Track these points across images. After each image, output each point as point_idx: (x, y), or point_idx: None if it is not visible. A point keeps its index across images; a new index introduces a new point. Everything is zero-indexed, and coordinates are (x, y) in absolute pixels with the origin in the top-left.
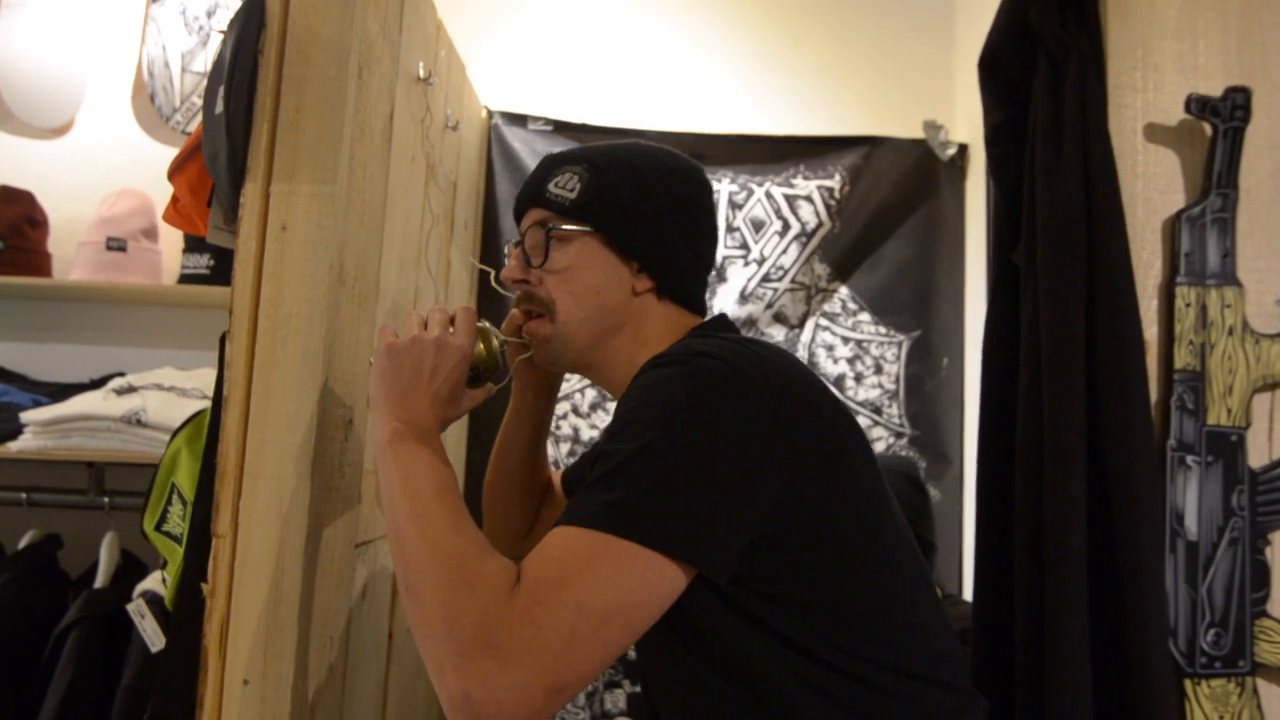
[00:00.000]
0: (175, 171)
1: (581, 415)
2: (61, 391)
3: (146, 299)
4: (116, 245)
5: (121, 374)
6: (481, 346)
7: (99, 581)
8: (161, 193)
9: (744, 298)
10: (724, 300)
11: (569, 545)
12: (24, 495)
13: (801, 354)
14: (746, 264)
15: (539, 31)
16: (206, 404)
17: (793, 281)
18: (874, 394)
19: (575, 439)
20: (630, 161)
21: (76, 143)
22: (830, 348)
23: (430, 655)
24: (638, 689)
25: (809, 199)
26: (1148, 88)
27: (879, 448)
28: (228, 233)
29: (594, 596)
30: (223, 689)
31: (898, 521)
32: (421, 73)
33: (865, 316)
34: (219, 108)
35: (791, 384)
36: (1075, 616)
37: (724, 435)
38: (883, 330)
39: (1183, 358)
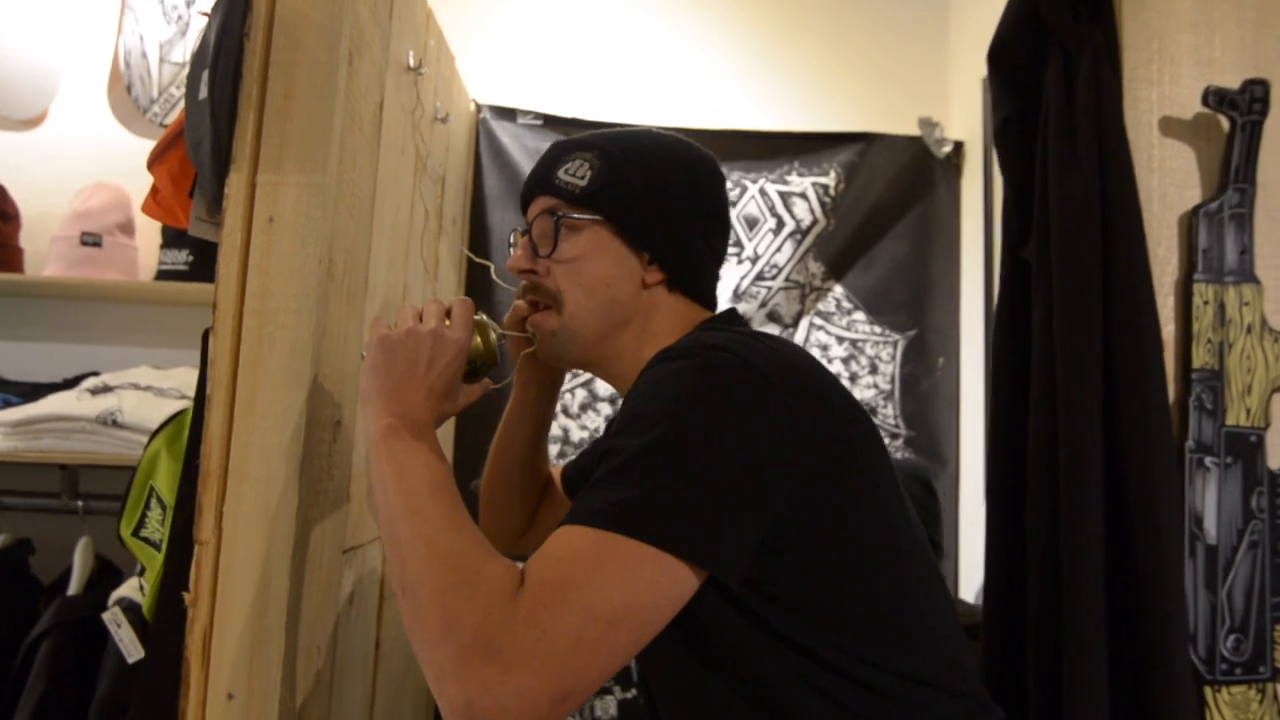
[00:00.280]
0: (155, 160)
1: (571, 416)
2: (33, 391)
3: (122, 296)
4: (91, 240)
5: (96, 373)
6: (479, 340)
7: (72, 588)
8: (138, 186)
9: (737, 296)
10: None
11: (575, 545)
12: None
13: None
14: (740, 262)
15: (529, 23)
16: (184, 404)
17: (787, 280)
18: (869, 394)
19: (565, 440)
20: (643, 149)
21: (50, 134)
22: (825, 347)
23: (428, 660)
24: (629, 695)
25: (804, 196)
26: (1163, 81)
27: None
28: (211, 225)
29: (602, 599)
30: (205, 703)
31: (912, 524)
32: (412, 62)
33: (860, 316)
34: (203, 93)
35: (807, 380)
36: (1092, 623)
37: (737, 431)
38: (878, 330)
39: (1201, 357)
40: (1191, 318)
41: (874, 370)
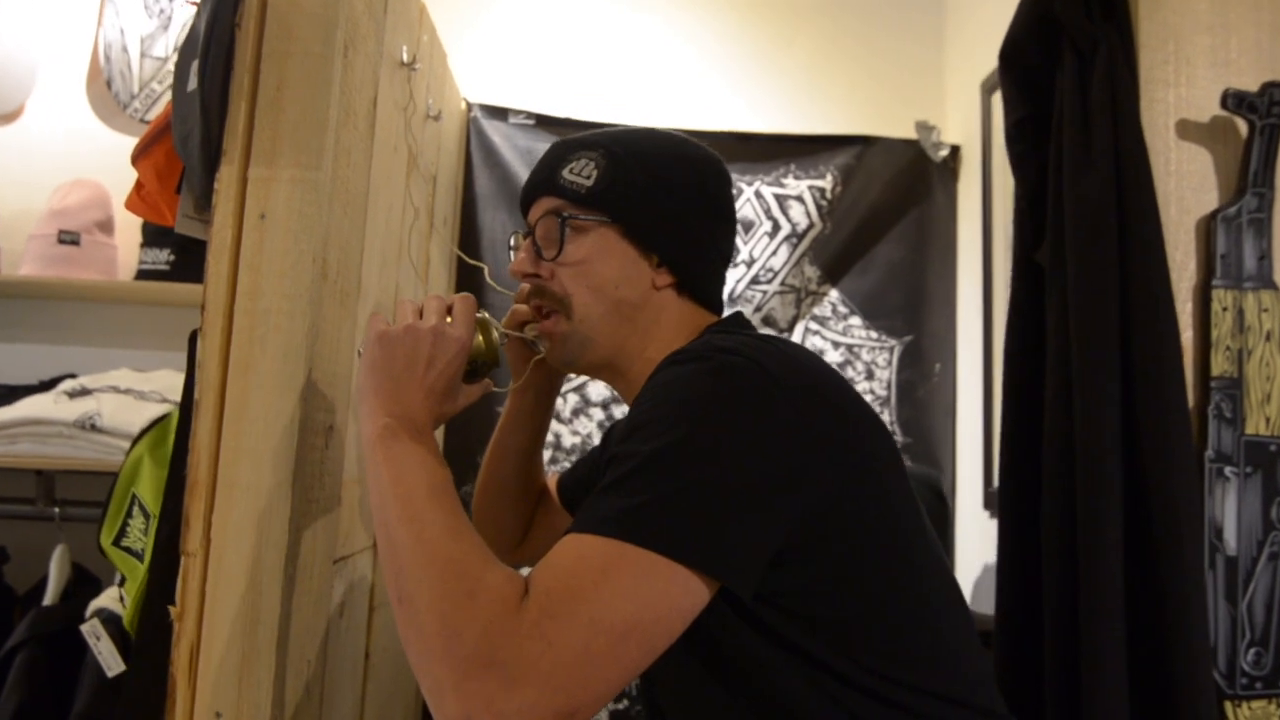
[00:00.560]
0: (140, 154)
1: (563, 421)
2: (9, 394)
3: (101, 296)
4: (69, 239)
5: (74, 375)
6: (481, 339)
7: (48, 598)
8: (117, 184)
9: (732, 300)
10: None
11: (582, 554)
12: None
13: None
14: (735, 265)
15: (522, 21)
16: (166, 408)
17: (782, 284)
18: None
19: (557, 445)
20: (648, 148)
21: (27, 130)
22: (820, 352)
23: (426, 673)
24: (620, 707)
25: (800, 199)
26: (1180, 82)
27: None
28: (198, 221)
29: (610, 611)
30: None
31: (928, 534)
32: (405, 57)
33: (856, 320)
34: (192, 84)
35: (820, 385)
36: (1112, 636)
37: (751, 437)
38: (874, 335)
39: (1220, 364)
40: (1210, 324)
41: (870, 376)
